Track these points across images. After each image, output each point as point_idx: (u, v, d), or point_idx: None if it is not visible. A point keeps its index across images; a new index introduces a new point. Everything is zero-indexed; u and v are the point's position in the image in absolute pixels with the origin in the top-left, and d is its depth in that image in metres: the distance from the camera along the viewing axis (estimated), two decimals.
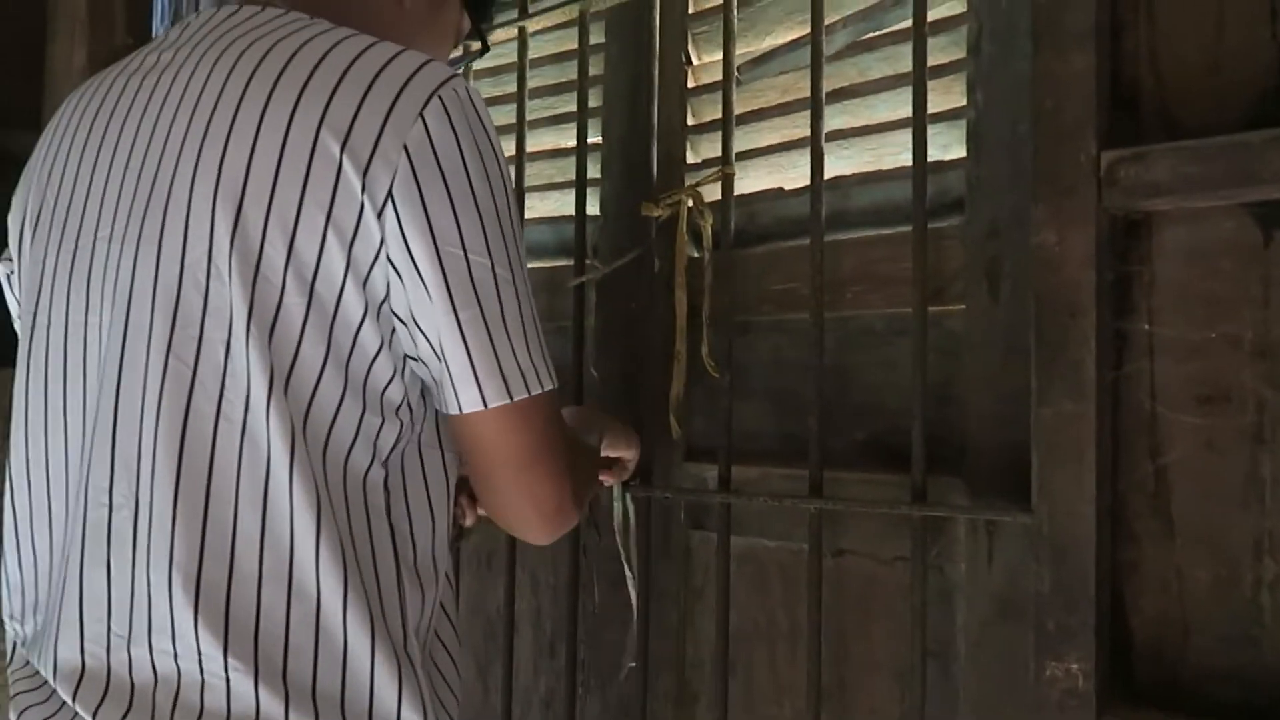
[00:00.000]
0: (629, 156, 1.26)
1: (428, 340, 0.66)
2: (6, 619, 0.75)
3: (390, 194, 0.62)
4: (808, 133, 1.03)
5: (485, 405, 0.66)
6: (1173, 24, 0.85)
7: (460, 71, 0.66)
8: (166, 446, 0.63)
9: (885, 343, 1.06)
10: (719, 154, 1.11)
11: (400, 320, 0.66)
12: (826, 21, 1.04)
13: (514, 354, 0.67)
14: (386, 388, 0.67)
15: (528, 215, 1.38)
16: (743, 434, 1.12)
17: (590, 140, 1.23)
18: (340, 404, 0.65)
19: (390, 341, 0.66)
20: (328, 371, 0.64)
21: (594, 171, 1.27)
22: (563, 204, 1.38)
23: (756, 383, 1.15)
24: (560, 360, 1.25)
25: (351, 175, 0.62)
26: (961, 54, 1.01)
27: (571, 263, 1.22)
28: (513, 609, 1.25)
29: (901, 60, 1.05)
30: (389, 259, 0.64)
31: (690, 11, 1.24)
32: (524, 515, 0.73)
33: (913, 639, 0.92)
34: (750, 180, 1.18)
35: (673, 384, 1.13)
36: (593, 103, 1.26)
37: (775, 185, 1.17)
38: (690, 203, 1.12)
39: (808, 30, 1.04)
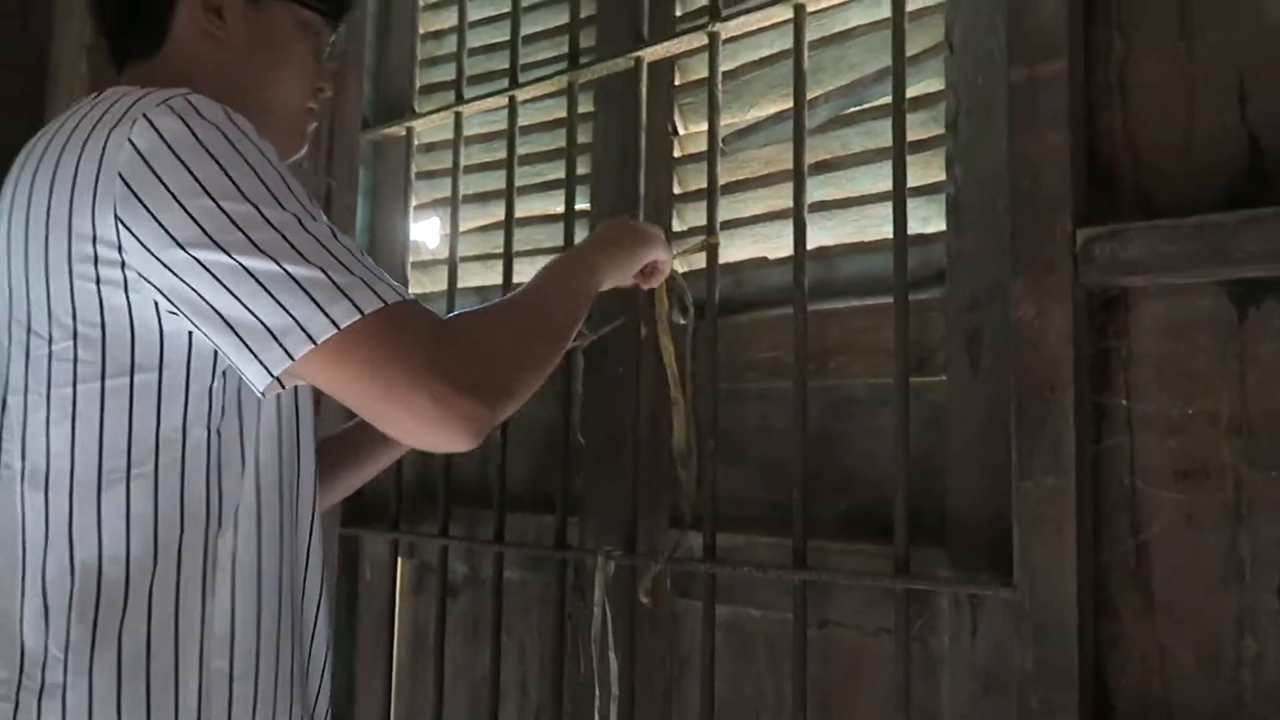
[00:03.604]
0: None
1: (202, 333, 0.69)
2: None
3: (118, 219, 0.67)
4: (791, 204, 1.05)
5: (272, 375, 0.67)
6: (1145, 107, 0.87)
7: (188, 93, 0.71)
8: None
9: (869, 412, 1.06)
10: (704, 222, 1.12)
11: (184, 316, 0.69)
12: (809, 96, 1.06)
13: (286, 310, 0.65)
14: (188, 382, 0.72)
15: (516, 279, 1.39)
16: (730, 500, 1.12)
17: (579, 207, 1.24)
18: (131, 421, 0.71)
19: (191, 340, 0.71)
20: (109, 400, 0.70)
21: (582, 237, 1.28)
22: None
23: (744, 450, 1.15)
24: (548, 426, 1.26)
25: (85, 245, 0.69)
26: (941, 130, 1.03)
27: None
28: (499, 676, 1.24)
29: (882, 135, 1.06)
30: (141, 275, 0.68)
31: (676, 83, 1.26)
32: (417, 437, 0.69)
33: (899, 711, 0.91)
34: (735, 249, 1.19)
35: (674, 433, 1.12)
36: (581, 170, 1.28)
37: (760, 254, 1.18)
38: (678, 266, 1.13)
39: (791, 104, 1.07)
